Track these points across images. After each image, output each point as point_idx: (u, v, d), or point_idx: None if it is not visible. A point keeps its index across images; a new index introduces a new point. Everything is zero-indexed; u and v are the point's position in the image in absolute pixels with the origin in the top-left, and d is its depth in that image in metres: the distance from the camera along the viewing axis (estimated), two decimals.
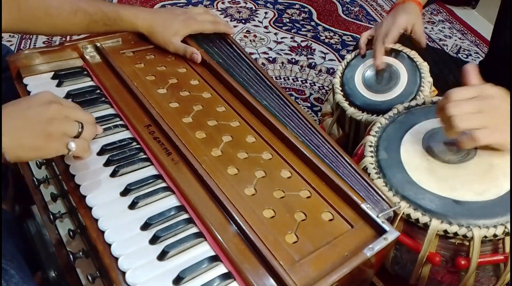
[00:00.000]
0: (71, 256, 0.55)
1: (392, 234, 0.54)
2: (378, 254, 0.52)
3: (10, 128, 0.47)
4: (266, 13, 1.85)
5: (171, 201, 0.55)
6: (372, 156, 0.67)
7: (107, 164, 0.58)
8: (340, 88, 0.88)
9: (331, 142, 0.64)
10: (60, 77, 0.70)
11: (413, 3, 0.89)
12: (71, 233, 0.58)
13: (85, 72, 0.72)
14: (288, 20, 1.82)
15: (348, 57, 0.92)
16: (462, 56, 1.75)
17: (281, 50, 1.61)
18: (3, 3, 0.66)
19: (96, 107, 0.66)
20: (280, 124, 0.65)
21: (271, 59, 1.56)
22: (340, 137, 0.99)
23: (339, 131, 1.00)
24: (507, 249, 0.59)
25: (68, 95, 0.67)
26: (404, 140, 0.68)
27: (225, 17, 1.79)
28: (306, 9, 1.93)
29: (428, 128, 0.70)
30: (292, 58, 1.57)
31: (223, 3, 1.89)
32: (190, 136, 0.63)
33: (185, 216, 0.53)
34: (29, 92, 0.67)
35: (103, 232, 0.50)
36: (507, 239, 0.58)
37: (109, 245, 0.49)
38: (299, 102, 1.38)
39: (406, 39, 0.89)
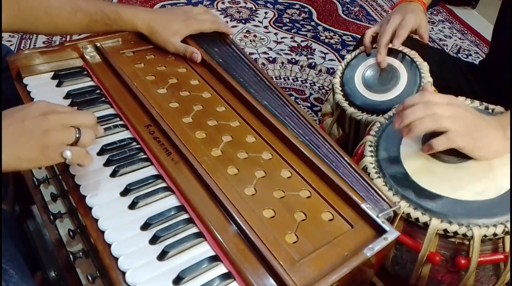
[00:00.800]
0: (71, 256, 0.55)
1: (392, 234, 0.54)
2: (378, 254, 0.52)
3: (7, 141, 0.47)
4: (266, 13, 1.86)
5: (171, 201, 0.55)
6: (372, 156, 0.67)
7: (107, 164, 0.58)
8: (340, 88, 0.88)
9: (331, 142, 0.64)
10: (60, 77, 0.70)
11: (419, 2, 0.89)
12: (71, 233, 0.58)
13: (85, 72, 0.72)
14: (288, 20, 1.82)
15: (348, 57, 0.92)
16: (462, 56, 1.75)
17: (281, 50, 1.61)
18: (3, 2, 0.66)
19: (96, 107, 0.66)
20: (280, 124, 0.65)
21: (271, 59, 1.56)
22: (340, 137, 0.99)
23: (339, 131, 1.00)
24: (507, 248, 0.59)
25: (68, 95, 0.67)
26: (404, 140, 0.69)
27: (225, 17, 1.79)
28: (306, 9, 1.93)
29: None
30: (292, 58, 1.57)
31: (223, 3, 1.89)
32: (190, 136, 0.63)
33: (185, 216, 0.53)
34: (29, 92, 0.67)
35: (103, 232, 0.50)
36: (507, 238, 0.58)
37: (109, 245, 0.49)
38: (299, 102, 1.38)
39: (407, 38, 0.89)
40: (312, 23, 1.82)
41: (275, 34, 1.71)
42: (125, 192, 0.55)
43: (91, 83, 0.71)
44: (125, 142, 0.61)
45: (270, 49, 1.61)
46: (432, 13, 2.05)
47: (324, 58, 1.60)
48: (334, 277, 0.48)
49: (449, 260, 0.60)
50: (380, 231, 0.54)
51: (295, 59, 1.57)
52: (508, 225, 0.57)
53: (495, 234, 0.57)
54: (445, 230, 0.58)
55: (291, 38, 1.69)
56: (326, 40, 1.70)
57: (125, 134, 0.63)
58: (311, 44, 1.67)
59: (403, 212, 0.60)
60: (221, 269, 0.49)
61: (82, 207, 0.53)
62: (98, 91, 0.69)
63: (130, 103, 0.67)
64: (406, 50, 0.86)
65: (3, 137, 0.47)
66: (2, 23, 0.67)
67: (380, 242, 0.52)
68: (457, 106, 0.63)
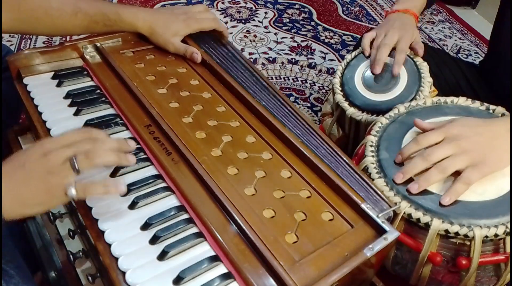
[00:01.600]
0: (71, 256, 0.55)
1: (392, 234, 0.53)
2: (378, 254, 0.52)
3: (10, 187, 0.45)
4: (266, 13, 1.85)
5: (171, 201, 0.55)
6: (373, 156, 0.67)
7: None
8: (340, 88, 0.88)
9: (329, 143, 0.64)
10: (60, 77, 0.70)
11: (412, 16, 0.89)
12: (71, 233, 0.58)
13: (85, 72, 0.72)
14: (288, 20, 1.82)
15: (348, 57, 0.92)
16: (462, 56, 1.75)
17: (281, 50, 1.61)
18: (3, 3, 0.66)
19: (96, 107, 0.66)
20: (280, 124, 0.65)
21: (271, 59, 1.56)
22: (340, 137, 0.99)
23: (339, 131, 1.00)
24: (508, 249, 0.59)
25: (68, 95, 0.67)
26: (405, 140, 0.68)
27: (225, 17, 1.79)
28: (306, 9, 1.92)
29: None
30: (292, 58, 1.57)
31: (223, 3, 1.89)
32: (190, 136, 0.63)
33: (185, 216, 0.53)
34: (29, 92, 0.67)
35: (103, 232, 0.50)
36: (508, 239, 0.58)
37: (109, 245, 0.49)
38: (299, 102, 1.37)
39: None
40: (312, 23, 1.82)
41: (275, 34, 1.71)
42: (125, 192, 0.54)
43: (91, 83, 0.71)
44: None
45: (270, 49, 1.61)
46: (432, 13, 2.05)
47: (324, 58, 1.60)
48: (334, 277, 0.48)
49: (450, 261, 0.60)
50: (380, 231, 0.54)
51: (295, 59, 1.57)
52: (509, 225, 0.57)
53: (496, 235, 0.57)
54: (446, 231, 0.57)
55: (291, 38, 1.69)
56: (326, 40, 1.70)
57: (125, 134, 0.63)
58: (311, 44, 1.67)
59: (404, 213, 0.59)
60: (221, 269, 0.49)
61: (82, 207, 0.53)
62: (98, 91, 0.69)
63: (130, 103, 0.67)
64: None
65: (6, 183, 0.45)
66: (2, 24, 0.67)
67: (380, 242, 0.52)
68: (456, 135, 0.61)
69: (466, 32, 1.93)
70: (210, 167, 0.58)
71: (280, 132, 0.64)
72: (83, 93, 0.68)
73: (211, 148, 0.62)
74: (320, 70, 1.52)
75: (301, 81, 1.47)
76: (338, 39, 1.72)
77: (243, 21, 1.78)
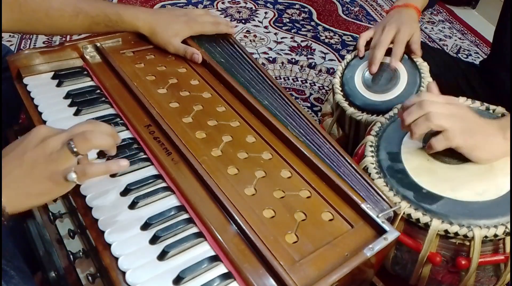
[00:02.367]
0: (71, 256, 0.55)
1: (392, 234, 0.54)
2: (378, 254, 0.52)
3: (12, 179, 0.45)
4: (266, 13, 1.85)
5: (171, 201, 0.55)
6: (372, 156, 0.67)
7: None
8: (340, 88, 0.88)
9: (332, 142, 0.64)
10: (60, 77, 0.70)
11: (414, 10, 0.88)
12: (71, 233, 0.58)
13: (85, 72, 0.72)
14: (288, 20, 1.82)
15: (348, 57, 0.92)
16: (462, 56, 1.75)
17: (281, 50, 1.61)
18: (4, 4, 0.66)
19: (96, 107, 0.66)
20: (280, 124, 0.65)
21: (271, 59, 1.56)
22: (340, 137, 0.99)
23: (339, 131, 1.00)
24: (508, 249, 0.59)
25: (68, 95, 0.67)
26: (404, 140, 0.68)
27: (225, 17, 1.79)
28: (306, 9, 1.92)
29: None
30: (292, 58, 1.57)
31: (223, 3, 1.89)
32: (190, 136, 0.63)
33: (185, 216, 0.53)
34: (29, 92, 0.67)
35: (103, 232, 0.50)
36: (508, 239, 0.58)
37: (109, 245, 0.49)
38: (299, 102, 1.38)
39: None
40: (312, 23, 1.82)
41: (275, 34, 1.71)
42: (125, 192, 0.55)
43: (91, 83, 0.71)
44: (125, 142, 0.61)
45: (270, 49, 1.61)
46: (432, 13, 2.05)
47: (324, 58, 1.60)
48: (334, 277, 0.48)
49: (449, 261, 0.60)
50: (380, 231, 0.54)
51: (295, 59, 1.57)
52: (509, 226, 0.57)
53: (495, 235, 0.57)
54: (446, 231, 0.57)
55: (291, 38, 1.69)
56: (326, 40, 1.70)
57: (125, 134, 0.63)
58: (311, 44, 1.67)
59: (404, 213, 0.60)
60: (221, 269, 0.49)
61: (82, 207, 0.53)
62: (98, 91, 0.69)
63: (130, 103, 0.67)
64: (406, 50, 0.85)
65: (7, 176, 0.44)
66: (3, 24, 0.67)
67: (380, 242, 0.52)
68: (456, 105, 0.63)
69: (466, 32, 1.93)
70: (210, 167, 0.58)
71: (280, 132, 0.64)
72: (83, 93, 0.68)
73: (211, 148, 0.62)
74: (320, 70, 1.53)
75: (301, 81, 1.47)
76: (338, 39, 1.72)
77: (243, 21, 1.78)
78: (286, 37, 1.70)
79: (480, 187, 0.60)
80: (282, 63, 1.54)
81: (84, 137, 0.46)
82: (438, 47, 1.78)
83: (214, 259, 0.49)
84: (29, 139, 0.47)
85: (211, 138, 0.63)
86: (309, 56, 1.59)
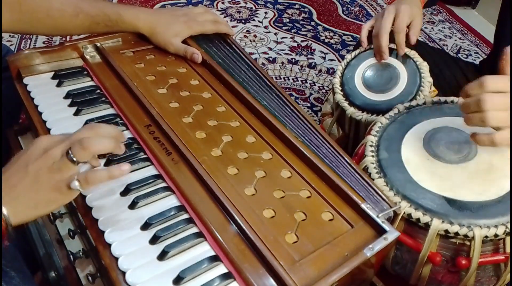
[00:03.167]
0: (71, 256, 0.55)
1: (392, 234, 0.53)
2: (378, 254, 0.52)
3: (19, 192, 0.45)
4: (266, 13, 1.85)
5: (171, 201, 0.55)
6: (373, 156, 0.67)
7: (107, 164, 0.57)
8: (340, 88, 0.88)
9: (331, 142, 0.64)
10: (60, 77, 0.70)
11: None
12: (71, 233, 0.58)
13: (85, 72, 0.72)
14: (288, 20, 1.82)
15: (348, 57, 0.92)
16: (462, 56, 1.75)
17: (281, 50, 1.61)
18: (4, 4, 0.66)
19: (96, 107, 0.66)
20: (280, 124, 0.65)
21: (271, 59, 1.56)
22: (340, 137, 0.99)
23: (339, 131, 1.00)
24: (508, 249, 0.59)
25: (68, 95, 0.67)
26: (405, 140, 0.69)
27: (225, 17, 1.79)
28: (306, 9, 1.92)
29: (429, 128, 0.70)
30: (292, 58, 1.57)
31: (223, 3, 1.89)
32: (190, 136, 0.63)
33: (185, 216, 0.53)
34: (29, 92, 0.67)
35: (103, 232, 0.50)
36: (508, 239, 0.58)
37: (109, 245, 0.49)
38: (299, 102, 1.37)
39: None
40: (312, 23, 1.82)
41: (275, 34, 1.71)
42: (125, 192, 0.55)
43: (91, 83, 0.71)
44: (125, 142, 0.60)
45: (270, 49, 1.61)
46: (432, 13, 2.05)
47: (324, 58, 1.60)
48: (334, 277, 0.48)
49: (449, 261, 0.60)
50: (380, 231, 0.54)
51: (295, 59, 1.57)
52: (509, 226, 0.57)
53: (496, 235, 0.57)
54: (446, 231, 0.57)
55: (291, 38, 1.69)
56: (326, 40, 1.70)
57: (125, 134, 0.63)
58: (311, 44, 1.67)
59: (404, 213, 0.60)
60: (221, 269, 0.49)
61: (82, 207, 0.53)
62: (98, 91, 0.69)
63: (130, 103, 0.67)
64: (406, 49, 0.85)
65: (14, 189, 0.45)
66: (3, 24, 0.67)
67: (380, 242, 0.52)
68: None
69: (466, 32, 1.93)
70: (210, 167, 0.58)
71: (280, 132, 0.64)
72: (83, 93, 0.68)
73: (211, 148, 0.62)
74: (320, 70, 1.52)
75: (301, 81, 1.47)
76: (338, 39, 1.72)
77: (243, 21, 1.78)
78: (286, 37, 1.69)
79: (480, 187, 0.60)
80: (282, 63, 1.54)
81: (82, 146, 0.46)
82: (438, 47, 1.78)
83: (214, 259, 0.49)
84: (31, 151, 0.48)
85: (211, 138, 0.63)
86: (309, 56, 1.59)
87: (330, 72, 1.52)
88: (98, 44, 0.76)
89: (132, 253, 0.49)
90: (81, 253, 0.55)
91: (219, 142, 0.63)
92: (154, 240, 0.50)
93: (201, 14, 0.83)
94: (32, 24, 0.71)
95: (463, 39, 1.87)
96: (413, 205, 0.60)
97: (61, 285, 0.59)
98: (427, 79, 0.82)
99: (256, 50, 1.60)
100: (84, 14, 0.72)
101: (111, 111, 0.67)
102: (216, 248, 0.50)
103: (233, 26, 1.73)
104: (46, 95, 0.67)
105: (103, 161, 0.57)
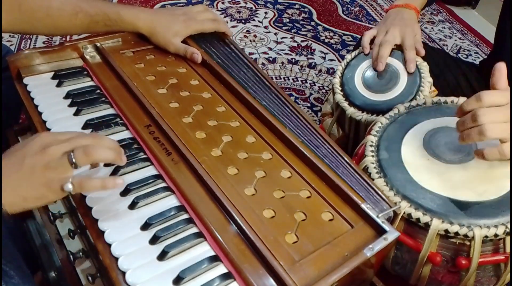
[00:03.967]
0: (71, 256, 0.55)
1: (392, 234, 0.53)
2: (378, 254, 0.52)
3: (10, 182, 0.46)
4: (266, 13, 1.85)
5: (171, 201, 0.55)
6: (373, 156, 0.67)
7: (107, 164, 0.57)
8: (340, 88, 0.88)
9: (330, 142, 0.64)
10: (60, 77, 0.70)
11: (413, 11, 0.89)
12: (71, 233, 0.58)
13: (85, 72, 0.72)
14: (288, 20, 1.82)
15: (348, 57, 0.92)
16: (462, 56, 1.75)
17: (281, 50, 1.61)
18: (4, 4, 0.66)
19: (96, 107, 0.66)
20: (280, 124, 0.65)
21: (271, 59, 1.56)
22: (340, 137, 0.99)
23: (339, 131, 1.00)
24: (508, 249, 0.59)
25: (68, 95, 0.67)
26: (405, 140, 0.69)
27: (225, 17, 1.79)
28: (306, 9, 1.92)
29: (429, 128, 0.70)
30: (292, 58, 1.57)
31: (223, 3, 1.89)
32: (190, 136, 0.63)
33: (185, 216, 0.53)
34: (29, 92, 0.67)
35: (103, 232, 0.50)
36: (508, 239, 0.58)
37: (109, 245, 0.49)
38: (299, 102, 1.37)
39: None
40: (312, 23, 1.82)
41: (275, 34, 1.71)
42: (125, 192, 0.55)
43: (91, 83, 0.71)
44: (125, 142, 0.61)
45: (270, 49, 1.61)
46: (432, 13, 2.05)
47: (324, 58, 1.60)
48: (334, 277, 0.48)
49: (449, 261, 0.60)
50: (380, 231, 0.54)
51: (295, 59, 1.57)
52: (509, 226, 0.57)
53: (496, 235, 0.57)
54: (446, 231, 0.57)
55: (291, 38, 1.69)
56: (326, 40, 1.70)
57: (125, 134, 0.63)
58: (311, 44, 1.67)
59: (404, 213, 0.60)
60: (221, 269, 0.49)
61: (82, 207, 0.53)
62: (98, 91, 0.69)
63: (130, 103, 0.67)
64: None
65: (6, 179, 0.46)
66: (3, 24, 0.67)
67: (380, 242, 0.52)
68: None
69: (466, 32, 1.93)
70: (210, 167, 0.58)
71: (280, 132, 0.64)
72: (83, 93, 0.68)
73: (211, 148, 0.62)
74: (320, 70, 1.52)
75: (301, 81, 1.47)
76: (338, 39, 1.72)
77: (243, 21, 1.78)
78: (286, 37, 1.69)
79: (481, 187, 0.60)
80: (282, 63, 1.54)
81: (85, 151, 0.47)
82: (438, 47, 1.78)
83: (214, 259, 0.49)
84: (30, 145, 0.48)
85: (211, 138, 0.63)
86: (309, 56, 1.59)
87: (330, 72, 1.52)
88: (98, 44, 0.77)
89: (132, 253, 0.49)
90: (81, 253, 0.55)
91: (219, 142, 0.63)
92: (154, 240, 0.50)
93: (200, 13, 0.83)
94: (32, 23, 0.71)
95: (463, 39, 1.87)
96: (413, 205, 0.60)
97: (61, 285, 0.59)
98: (427, 79, 0.82)
99: (256, 50, 1.60)
100: (84, 13, 0.72)
101: (111, 111, 0.67)
102: (216, 248, 0.50)
103: (233, 26, 1.73)
104: (46, 95, 0.67)
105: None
